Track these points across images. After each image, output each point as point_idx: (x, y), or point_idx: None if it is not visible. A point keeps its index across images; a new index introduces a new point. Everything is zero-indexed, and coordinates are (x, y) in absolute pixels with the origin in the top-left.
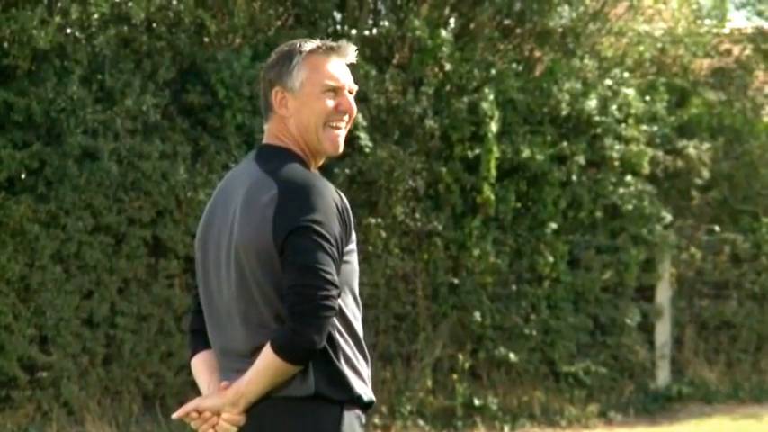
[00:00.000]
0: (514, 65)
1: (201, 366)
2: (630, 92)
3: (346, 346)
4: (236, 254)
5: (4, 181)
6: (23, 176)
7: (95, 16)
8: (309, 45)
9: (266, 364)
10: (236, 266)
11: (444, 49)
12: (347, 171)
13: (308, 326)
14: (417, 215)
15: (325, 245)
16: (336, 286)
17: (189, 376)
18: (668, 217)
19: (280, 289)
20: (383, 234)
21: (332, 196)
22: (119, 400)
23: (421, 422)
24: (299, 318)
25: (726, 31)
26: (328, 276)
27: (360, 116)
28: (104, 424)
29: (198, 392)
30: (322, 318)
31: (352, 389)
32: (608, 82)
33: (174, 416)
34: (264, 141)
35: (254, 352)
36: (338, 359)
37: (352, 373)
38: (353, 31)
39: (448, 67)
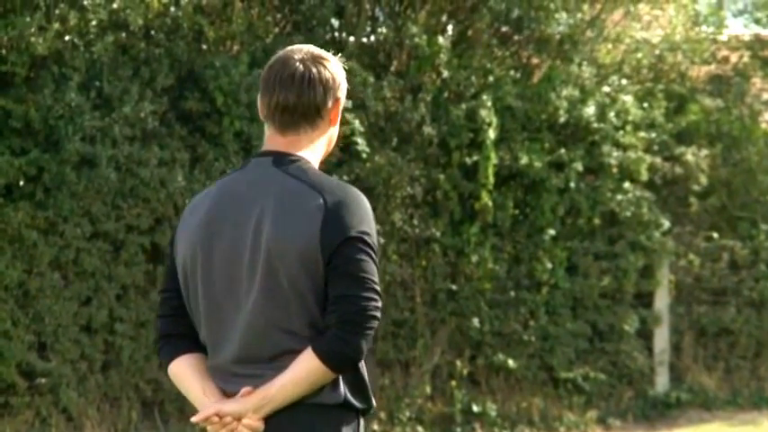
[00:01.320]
0: (512, 72)
1: (188, 371)
2: (628, 99)
3: None
4: (267, 259)
5: (2, 188)
6: (21, 183)
7: (93, 23)
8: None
9: (306, 371)
10: (266, 272)
11: (442, 55)
12: (345, 177)
13: (357, 335)
14: (415, 222)
15: (373, 255)
16: (381, 296)
17: None
18: (666, 224)
19: (319, 297)
20: (381, 240)
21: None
22: (117, 406)
23: (420, 428)
24: (349, 326)
25: (724, 38)
26: (376, 287)
27: (357, 122)
28: (103, 430)
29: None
30: (370, 328)
31: (370, 398)
32: (606, 89)
33: (194, 419)
34: (283, 149)
35: (275, 358)
36: (361, 368)
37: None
38: (351, 38)
39: (446, 73)
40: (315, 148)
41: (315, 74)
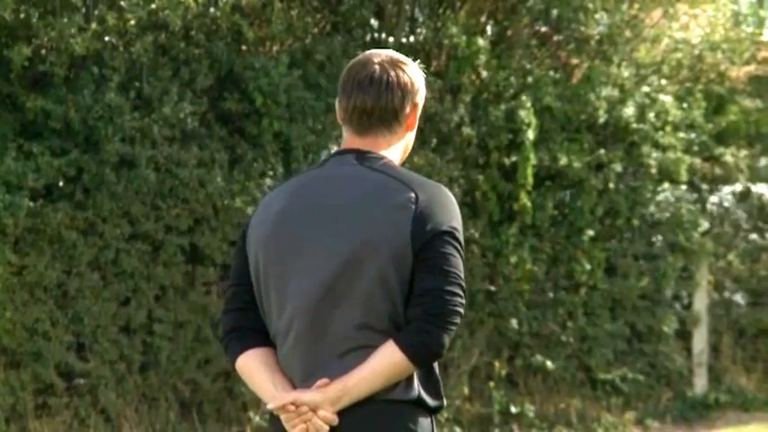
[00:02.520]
0: (551, 72)
1: (257, 364)
2: (668, 99)
3: None
4: (352, 253)
5: (42, 188)
6: (61, 184)
7: (132, 23)
8: None
9: (387, 365)
10: (347, 267)
11: (481, 56)
12: None
13: (443, 330)
14: None
15: (461, 251)
16: (466, 292)
17: (226, 383)
18: (705, 224)
19: (404, 290)
20: None
21: None
22: (156, 407)
23: (458, 429)
24: (435, 320)
25: (764, 38)
26: (462, 282)
27: None
28: (141, 431)
29: (234, 397)
30: (455, 323)
31: (442, 396)
32: (645, 89)
33: (271, 406)
34: (363, 147)
35: (348, 352)
36: (434, 365)
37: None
38: (391, 39)
39: (485, 74)
40: (392, 152)
41: (393, 77)
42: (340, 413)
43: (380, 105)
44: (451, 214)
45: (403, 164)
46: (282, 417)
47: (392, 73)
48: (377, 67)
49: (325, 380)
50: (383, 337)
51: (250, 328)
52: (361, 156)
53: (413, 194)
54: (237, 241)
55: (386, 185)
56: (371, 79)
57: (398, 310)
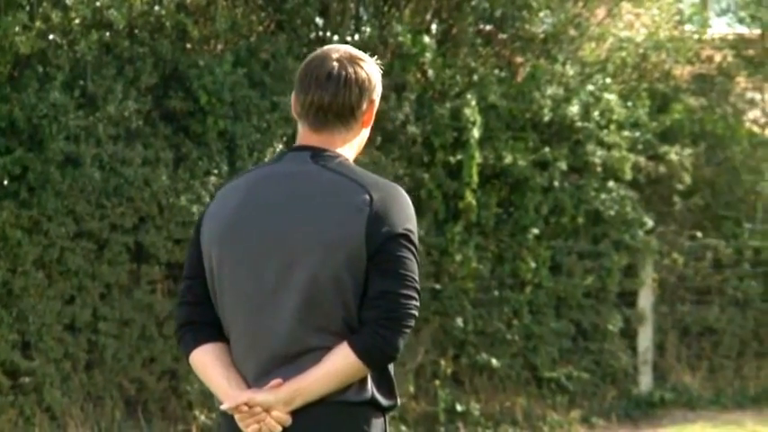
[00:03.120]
0: (496, 71)
1: (211, 359)
2: (612, 97)
3: None
4: (306, 254)
5: None
6: (6, 182)
7: (76, 21)
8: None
9: (341, 367)
10: (302, 267)
11: (427, 54)
12: None
13: (397, 333)
14: None
15: (416, 253)
16: (420, 295)
17: (171, 381)
18: (650, 222)
19: (358, 292)
20: None
21: None
22: (101, 405)
23: (403, 428)
24: (390, 324)
25: (707, 37)
26: (417, 285)
27: None
28: (87, 429)
29: (179, 396)
30: (409, 326)
31: (396, 396)
32: (590, 88)
33: (224, 407)
34: (319, 145)
35: (301, 354)
36: (388, 366)
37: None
38: (335, 37)
39: (430, 72)
40: (347, 149)
41: (351, 74)
42: (293, 413)
43: (338, 102)
44: (406, 216)
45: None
46: (236, 417)
47: (350, 69)
48: (335, 63)
49: (278, 380)
50: (337, 339)
51: (204, 322)
52: (317, 154)
53: (367, 196)
54: (192, 234)
55: (340, 186)
56: (329, 75)
57: (352, 311)
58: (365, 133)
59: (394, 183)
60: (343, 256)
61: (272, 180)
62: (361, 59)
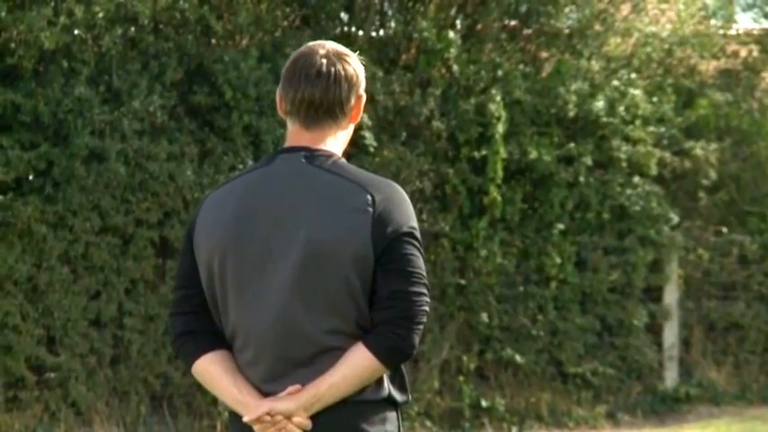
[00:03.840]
0: (521, 66)
1: (217, 368)
2: (638, 93)
3: None
4: (312, 258)
5: (12, 182)
6: (31, 177)
7: (100, 15)
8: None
9: (360, 369)
10: (309, 271)
11: (451, 50)
12: None
13: (413, 331)
14: (424, 216)
15: (421, 250)
16: (429, 291)
17: None
18: (675, 218)
19: (367, 293)
20: None
21: None
22: (126, 400)
23: (428, 423)
24: (405, 323)
25: (733, 32)
26: (426, 282)
27: (365, 116)
28: (112, 425)
29: (204, 392)
30: (422, 323)
31: (408, 392)
32: (615, 83)
33: (246, 419)
34: (309, 144)
35: (316, 356)
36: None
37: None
38: (360, 33)
39: (455, 68)
40: (338, 144)
41: (340, 70)
42: (313, 416)
43: (328, 98)
44: (409, 214)
45: (358, 159)
46: (256, 427)
47: (338, 66)
48: (323, 59)
49: (297, 386)
50: (350, 340)
51: (204, 331)
52: (310, 155)
53: (369, 196)
54: (183, 244)
55: (342, 189)
56: (319, 72)
57: (364, 312)
58: (352, 128)
59: (389, 180)
60: (350, 258)
61: (269, 183)
62: (346, 55)
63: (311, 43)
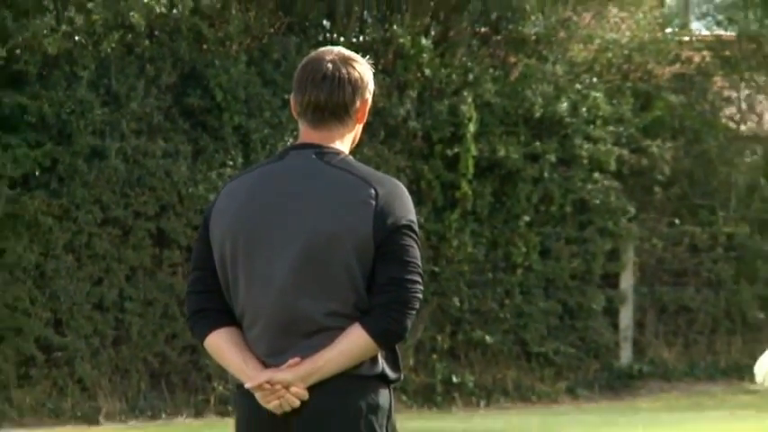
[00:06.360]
0: (491, 70)
1: (226, 343)
2: (599, 95)
3: None
4: (318, 246)
5: (20, 178)
6: (37, 173)
7: (99, 22)
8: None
9: (355, 347)
10: (315, 257)
11: (425, 55)
12: None
13: (406, 315)
14: None
15: (418, 242)
16: (423, 279)
17: (191, 356)
18: (632, 211)
19: (366, 279)
20: None
21: None
22: (128, 377)
23: (404, 398)
24: (399, 307)
25: (687, 39)
26: (420, 271)
27: None
28: (115, 399)
29: (199, 369)
30: (416, 308)
31: (401, 370)
32: (578, 86)
33: (248, 386)
34: (323, 143)
35: (315, 333)
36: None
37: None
38: (342, 39)
39: (429, 72)
40: (344, 143)
41: (344, 74)
42: (310, 387)
43: (333, 100)
44: (408, 208)
45: (353, 154)
46: (257, 394)
47: (343, 70)
48: (329, 64)
49: (297, 359)
50: (347, 321)
51: (215, 309)
52: (320, 152)
53: (372, 190)
54: (200, 229)
55: (348, 183)
56: (324, 76)
57: (362, 296)
58: (359, 128)
59: (393, 177)
60: (352, 246)
61: (281, 176)
62: (353, 60)
63: (322, 49)
